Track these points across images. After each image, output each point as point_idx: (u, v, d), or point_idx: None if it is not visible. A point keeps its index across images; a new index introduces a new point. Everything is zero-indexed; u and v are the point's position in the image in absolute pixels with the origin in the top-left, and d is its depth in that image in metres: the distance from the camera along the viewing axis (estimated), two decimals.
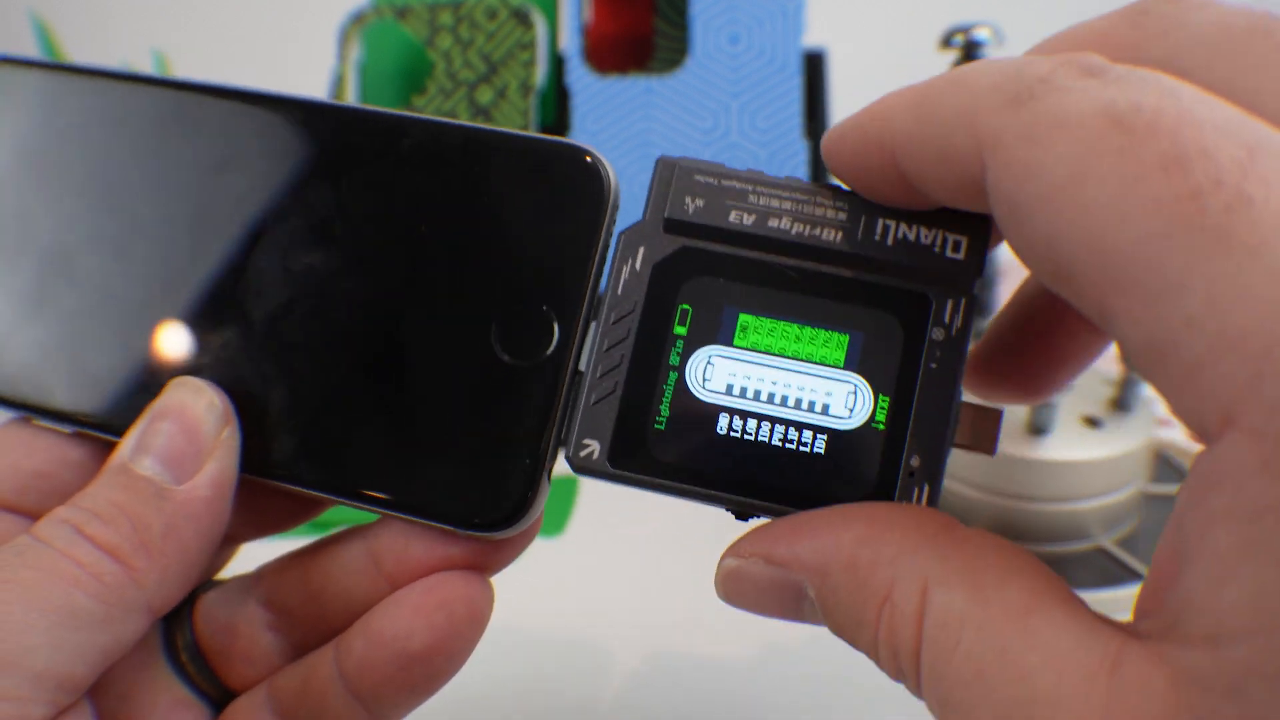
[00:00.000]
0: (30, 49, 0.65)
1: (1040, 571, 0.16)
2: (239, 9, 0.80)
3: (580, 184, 0.21)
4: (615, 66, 0.48)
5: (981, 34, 0.41)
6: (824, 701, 0.31)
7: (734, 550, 0.18)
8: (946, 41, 0.42)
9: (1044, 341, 0.22)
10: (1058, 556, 0.35)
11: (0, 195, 0.25)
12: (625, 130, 0.46)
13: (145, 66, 0.62)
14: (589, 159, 0.21)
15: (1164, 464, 0.42)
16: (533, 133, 0.21)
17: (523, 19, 0.47)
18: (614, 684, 0.33)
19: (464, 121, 0.22)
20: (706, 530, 0.20)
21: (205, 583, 0.24)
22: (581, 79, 0.46)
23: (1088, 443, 0.35)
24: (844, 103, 0.50)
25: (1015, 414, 0.36)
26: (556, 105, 0.48)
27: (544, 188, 0.21)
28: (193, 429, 0.21)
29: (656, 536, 0.38)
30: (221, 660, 0.23)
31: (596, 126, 0.46)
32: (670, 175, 0.20)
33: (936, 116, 0.16)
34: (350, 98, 0.48)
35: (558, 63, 0.48)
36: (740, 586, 0.18)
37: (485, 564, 0.21)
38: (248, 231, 0.23)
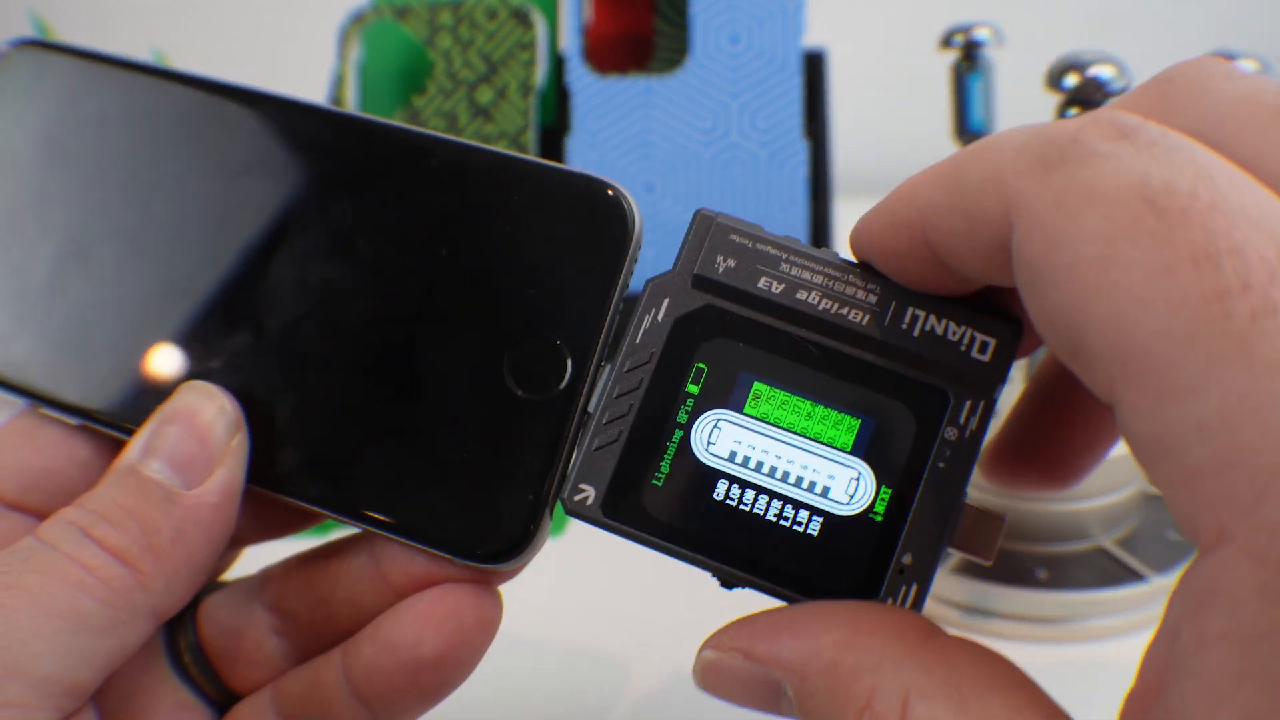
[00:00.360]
0: None
1: (1022, 684, 0.16)
2: (239, 9, 0.80)
3: (604, 221, 0.20)
4: (615, 66, 0.48)
5: (981, 34, 0.41)
6: None
7: (714, 642, 0.18)
8: (946, 41, 0.42)
9: (1065, 427, 0.22)
10: (1058, 556, 0.35)
11: (24, 179, 0.24)
12: (625, 130, 0.46)
13: None
14: (614, 195, 0.20)
15: None
16: (560, 164, 0.21)
17: (523, 19, 0.47)
18: (615, 686, 0.33)
19: (493, 147, 0.21)
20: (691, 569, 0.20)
21: (208, 585, 0.24)
22: (581, 79, 0.46)
23: None
24: (844, 103, 0.50)
25: None
26: (556, 105, 0.48)
27: (568, 221, 0.21)
28: (203, 434, 0.21)
29: None
30: (225, 663, 0.23)
31: (596, 126, 0.46)
32: (706, 231, 0.20)
33: (963, 184, 0.16)
34: (350, 98, 0.48)
35: (558, 63, 0.48)
36: (718, 679, 0.18)
37: (487, 579, 0.21)
38: (268, 239, 0.22)
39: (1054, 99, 0.34)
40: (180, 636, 0.23)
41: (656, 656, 0.33)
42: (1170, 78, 0.16)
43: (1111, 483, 0.36)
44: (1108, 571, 0.35)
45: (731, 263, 0.19)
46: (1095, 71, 0.34)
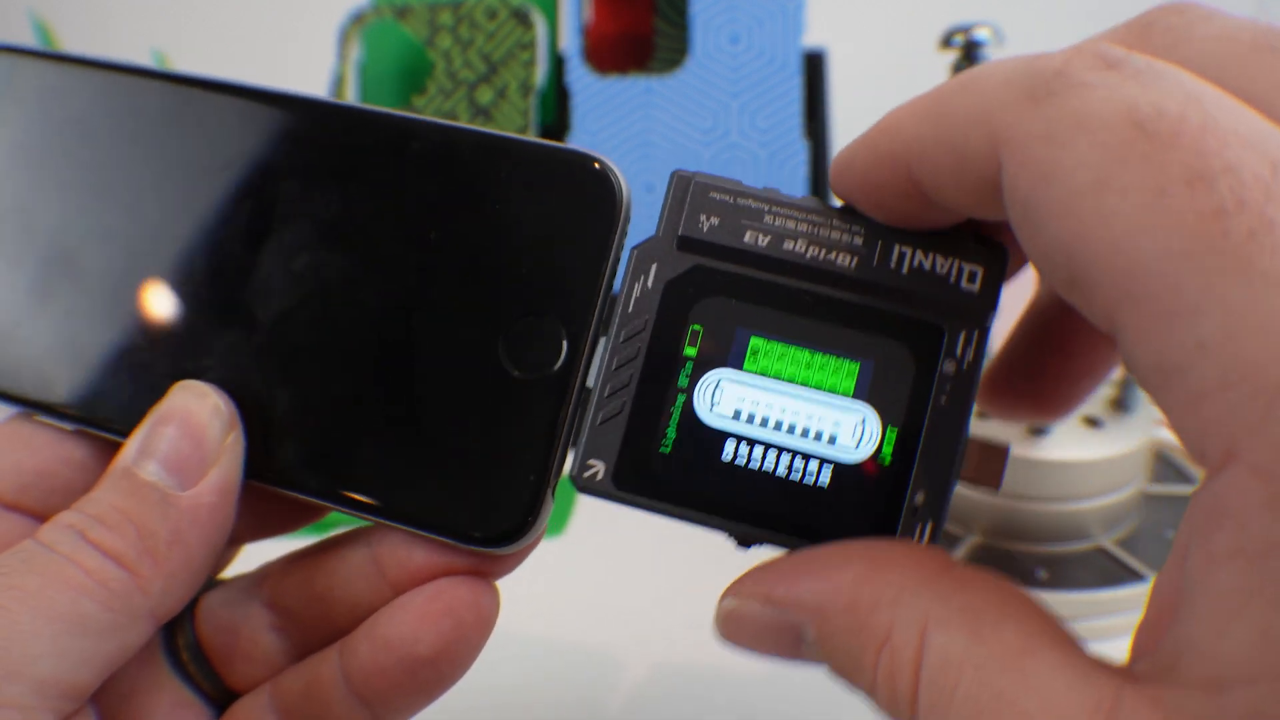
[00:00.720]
0: None
1: (1037, 613, 0.16)
2: (239, 9, 0.80)
3: (592, 195, 0.20)
4: (615, 66, 0.48)
5: (981, 34, 0.41)
6: (831, 704, 0.31)
7: (733, 590, 0.18)
8: (946, 41, 0.42)
9: (1059, 357, 0.22)
10: (1058, 556, 0.35)
11: (3, 186, 0.24)
12: (625, 130, 0.46)
13: None
14: (601, 169, 0.20)
15: (1164, 464, 0.42)
16: (545, 140, 0.21)
17: (523, 19, 0.47)
18: (615, 685, 0.33)
19: (475, 126, 0.21)
20: (707, 532, 0.20)
21: (206, 583, 0.24)
22: (581, 79, 0.46)
23: (1088, 443, 0.35)
24: (844, 103, 0.50)
25: None
26: (556, 105, 0.48)
27: (555, 197, 0.20)
28: (197, 434, 0.21)
29: (658, 536, 0.38)
30: (223, 660, 0.23)
31: (596, 126, 0.46)
32: (685, 192, 0.20)
33: (949, 119, 0.16)
34: (350, 98, 0.48)
35: (558, 63, 0.48)
36: (740, 627, 0.18)
37: (488, 571, 0.21)
38: (255, 231, 0.22)
39: None
40: (178, 635, 0.23)
41: (655, 653, 0.33)
42: (1150, 21, 0.16)
43: (1111, 483, 0.36)
44: (1108, 571, 0.35)
45: (715, 220, 0.19)
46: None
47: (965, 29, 0.41)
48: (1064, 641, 0.15)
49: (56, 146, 0.24)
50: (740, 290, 0.19)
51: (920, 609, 0.16)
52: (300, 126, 0.22)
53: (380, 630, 0.21)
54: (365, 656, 0.21)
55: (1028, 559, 0.35)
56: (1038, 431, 0.35)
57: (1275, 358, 0.12)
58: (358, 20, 0.48)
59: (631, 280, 0.19)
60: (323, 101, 0.22)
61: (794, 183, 0.45)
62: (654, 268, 0.19)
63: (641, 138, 0.46)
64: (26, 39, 0.67)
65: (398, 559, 0.21)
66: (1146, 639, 0.14)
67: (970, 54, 0.42)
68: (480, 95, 0.47)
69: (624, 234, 0.20)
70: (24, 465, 0.23)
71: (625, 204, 0.20)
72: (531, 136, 0.21)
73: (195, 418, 0.21)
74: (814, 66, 0.47)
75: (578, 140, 0.46)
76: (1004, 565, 0.35)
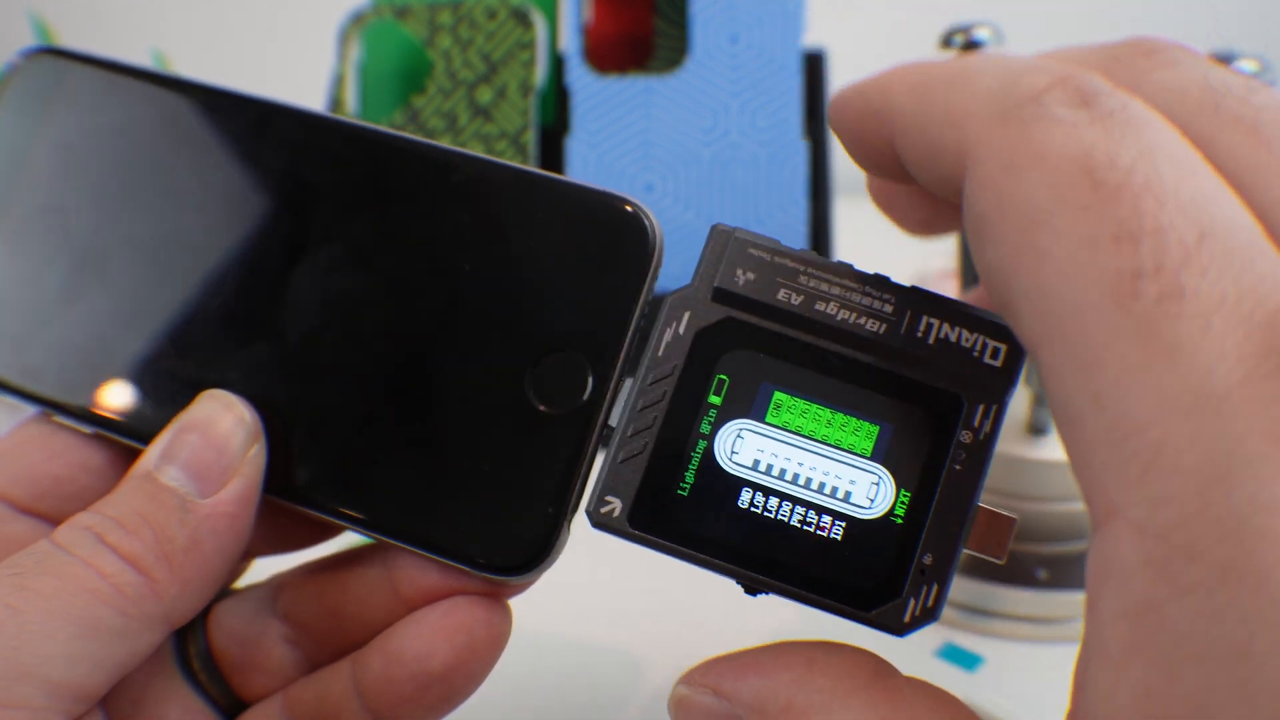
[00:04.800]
0: None
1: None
2: (239, 9, 0.80)
3: (626, 238, 0.21)
4: (615, 66, 0.48)
5: (981, 34, 0.41)
6: None
7: (686, 679, 0.19)
8: (946, 41, 0.42)
9: (928, 208, 0.22)
10: (1058, 556, 0.35)
11: (37, 187, 0.24)
12: (625, 130, 0.46)
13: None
14: (635, 213, 0.21)
15: None
16: (583, 182, 0.21)
17: (522, 19, 0.47)
18: (624, 684, 0.33)
19: (516, 164, 0.22)
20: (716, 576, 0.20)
21: (220, 592, 0.24)
22: (581, 79, 0.46)
23: None
24: None
25: (1015, 414, 0.36)
26: (556, 105, 0.48)
27: (590, 238, 0.21)
28: (221, 443, 0.21)
29: None
30: (235, 670, 0.23)
31: (596, 126, 0.46)
32: (724, 246, 0.20)
33: (931, 110, 0.16)
34: (350, 98, 0.48)
35: (558, 63, 0.48)
36: (690, 715, 0.19)
37: (500, 591, 0.21)
38: (289, 251, 0.22)
39: None
40: (190, 643, 0.23)
41: (663, 651, 0.33)
42: (1119, 56, 0.16)
43: None
44: None
45: (750, 275, 0.20)
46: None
47: (965, 29, 0.41)
48: None
49: (97, 151, 0.24)
50: (769, 345, 0.20)
51: (849, 717, 0.16)
52: (343, 150, 0.23)
53: (393, 644, 0.21)
54: (377, 670, 0.21)
55: (1028, 559, 0.35)
56: (1038, 431, 0.35)
57: (1157, 419, 0.12)
58: (358, 20, 0.48)
59: (664, 325, 0.20)
60: (366, 127, 0.23)
61: (794, 183, 0.45)
62: (686, 315, 0.20)
63: (641, 138, 0.46)
64: (26, 39, 0.67)
65: (412, 576, 0.21)
66: (1071, 702, 0.14)
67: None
68: (480, 95, 0.47)
69: (654, 277, 0.21)
70: (41, 470, 0.23)
71: (658, 248, 0.21)
72: (571, 179, 0.21)
73: (219, 426, 0.21)
74: (814, 66, 0.47)
75: (577, 140, 0.46)
76: (1004, 565, 0.35)
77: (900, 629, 0.18)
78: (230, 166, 0.23)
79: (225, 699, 0.23)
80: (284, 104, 0.23)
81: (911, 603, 0.18)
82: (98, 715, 0.20)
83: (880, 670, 0.17)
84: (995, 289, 0.15)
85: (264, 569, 0.25)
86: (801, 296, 0.20)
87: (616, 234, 0.21)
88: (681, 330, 0.20)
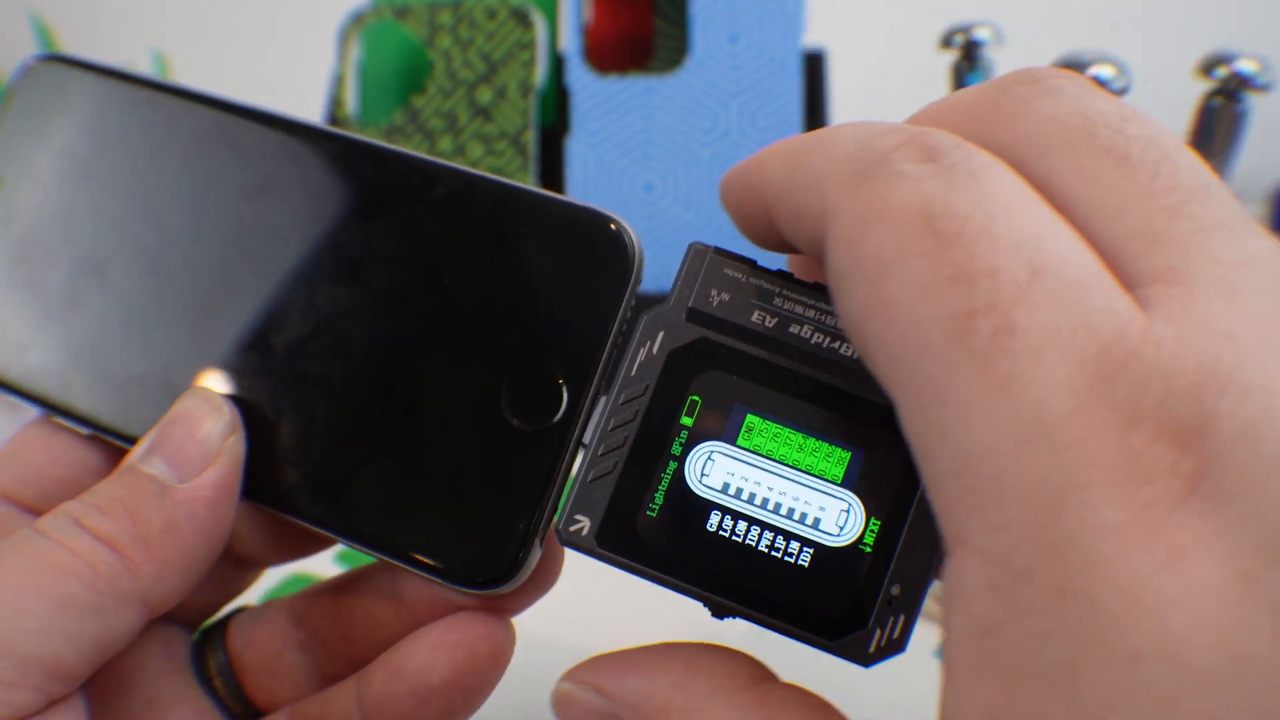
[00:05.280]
0: (30, 49, 0.65)
1: None
2: (239, 9, 0.80)
3: (605, 255, 0.21)
4: (615, 66, 0.48)
5: (981, 34, 0.41)
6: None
7: (569, 675, 0.19)
8: (946, 41, 0.42)
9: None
10: None
11: (44, 193, 0.25)
12: (625, 130, 0.46)
13: (145, 66, 0.62)
14: (616, 230, 0.21)
15: None
16: (564, 197, 0.21)
17: (522, 19, 0.47)
18: None
19: (498, 177, 0.22)
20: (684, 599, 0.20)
21: (239, 609, 0.25)
22: (581, 79, 0.46)
23: None
24: (844, 103, 0.50)
25: None
26: (556, 105, 0.48)
27: (570, 254, 0.21)
28: (200, 434, 0.21)
29: None
30: (249, 674, 0.24)
31: (596, 126, 0.46)
32: (701, 265, 0.20)
33: (797, 176, 0.17)
34: (350, 98, 0.48)
35: (558, 63, 0.48)
36: (571, 711, 0.19)
37: (505, 607, 0.21)
38: (276, 261, 0.23)
39: None
40: (208, 648, 0.24)
41: None
42: (1005, 87, 0.16)
43: None
44: None
45: (725, 296, 0.20)
46: (1095, 71, 0.34)
47: (965, 29, 0.42)
48: None
49: (101, 157, 0.25)
50: (742, 367, 0.19)
51: None
52: (332, 161, 0.23)
53: (395, 659, 0.21)
54: (379, 685, 0.21)
55: None
56: None
57: (994, 450, 0.13)
58: (358, 20, 0.48)
59: (638, 345, 0.20)
60: (354, 139, 0.23)
61: None
62: (661, 335, 0.20)
63: (641, 138, 0.46)
64: (26, 39, 0.67)
65: (419, 592, 0.21)
66: None
67: (970, 54, 0.42)
68: (480, 95, 0.47)
69: (633, 296, 0.21)
70: (45, 472, 0.23)
71: (637, 266, 0.21)
72: (552, 192, 0.21)
73: (197, 416, 0.22)
74: (814, 66, 0.47)
75: (577, 140, 0.46)
76: None
77: (865, 660, 0.18)
78: (225, 176, 0.23)
79: (237, 704, 0.24)
80: (278, 114, 0.23)
81: (878, 633, 0.18)
82: (78, 700, 0.20)
83: (757, 675, 0.18)
84: (855, 339, 0.15)
85: (271, 578, 0.25)
86: (776, 319, 0.19)
87: (596, 251, 0.21)
88: (655, 350, 0.20)
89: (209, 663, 0.24)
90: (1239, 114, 0.37)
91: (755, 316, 0.20)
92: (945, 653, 0.14)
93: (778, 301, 0.20)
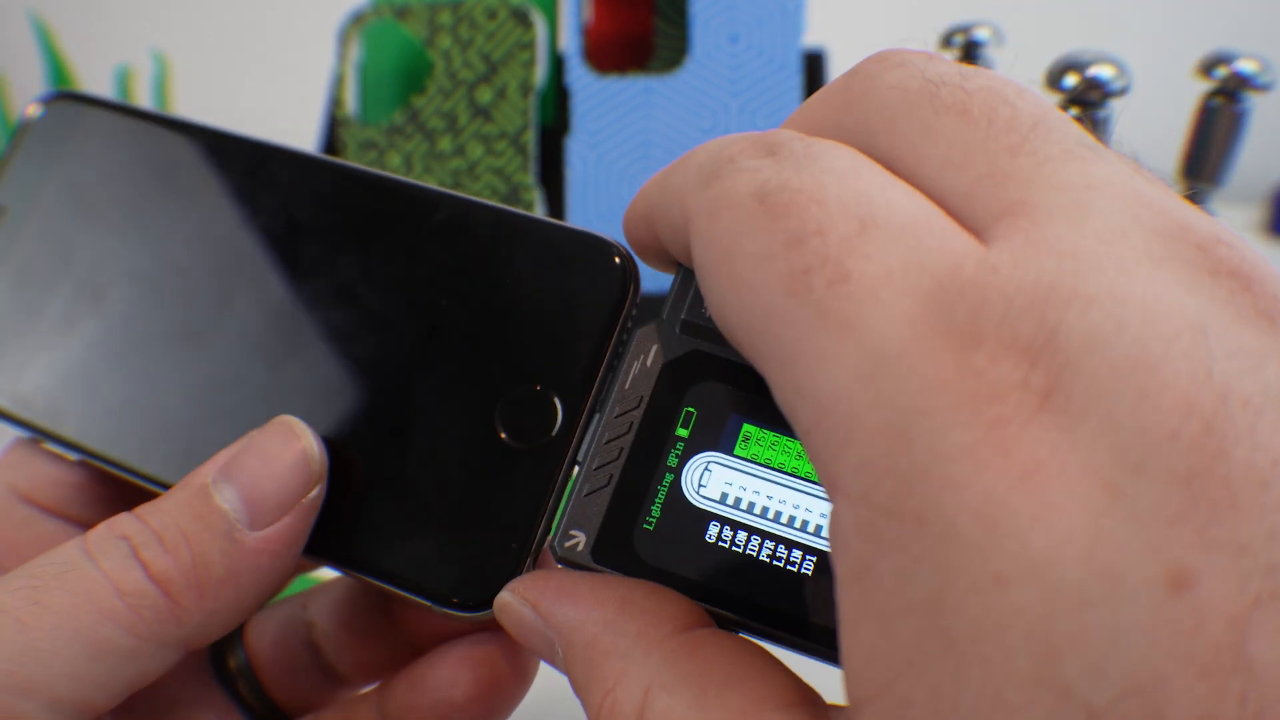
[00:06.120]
0: (29, 49, 0.65)
1: (766, 674, 0.16)
2: (239, 9, 0.80)
3: (604, 278, 0.21)
4: (615, 66, 0.48)
5: (981, 34, 0.41)
6: None
7: (512, 587, 0.19)
8: (946, 41, 0.42)
9: None
10: None
11: (62, 228, 0.25)
12: (625, 130, 0.46)
13: (145, 67, 0.62)
14: (614, 253, 0.21)
15: None
16: (563, 222, 0.22)
17: (522, 19, 0.47)
18: None
19: (498, 204, 0.22)
20: None
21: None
22: (581, 79, 0.46)
23: None
24: None
25: None
26: (556, 105, 0.48)
27: (568, 276, 0.21)
28: (281, 476, 0.20)
29: None
30: (269, 674, 0.24)
31: (596, 126, 0.46)
32: (692, 279, 0.20)
33: (665, 193, 0.17)
34: (350, 98, 0.48)
35: (558, 63, 0.48)
36: (508, 619, 0.19)
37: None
38: (273, 285, 0.23)
39: (1053, 99, 0.34)
40: (228, 650, 0.24)
41: None
42: (856, 70, 0.17)
43: None
44: None
45: None
46: (1095, 71, 0.34)
47: (965, 29, 0.42)
48: (792, 705, 0.15)
49: (106, 191, 0.25)
50: (737, 377, 0.19)
51: (648, 669, 0.16)
52: (330, 190, 0.23)
53: (419, 673, 0.21)
54: (401, 698, 0.21)
55: None
56: None
57: (844, 391, 0.13)
58: (357, 20, 0.48)
59: (632, 358, 0.20)
60: (354, 168, 0.23)
61: None
62: (654, 348, 0.20)
63: (641, 138, 0.46)
64: (26, 39, 0.67)
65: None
66: None
67: (970, 54, 0.42)
68: (480, 95, 0.47)
69: (630, 318, 0.21)
70: (66, 476, 0.23)
71: (635, 289, 0.21)
72: (551, 218, 0.22)
73: (283, 457, 0.20)
74: (814, 66, 0.47)
75: (577, 140, 0.46)
76: None
77: None
78: (226, 206, 0.24)
79: (259, 704, 0.23)
80: (279, 145, 0.24)
81: None
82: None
83: (688, 621, 0.17)
84: (722, 329, 0.15)
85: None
86: None
87: (595, 273, 0.21)
88: (649, 362, 0.19)
89: (229, 662, 0.24)
90: (1239, 114, 0.37)
91: None
92: (837, 600, 0.14)
93: None
